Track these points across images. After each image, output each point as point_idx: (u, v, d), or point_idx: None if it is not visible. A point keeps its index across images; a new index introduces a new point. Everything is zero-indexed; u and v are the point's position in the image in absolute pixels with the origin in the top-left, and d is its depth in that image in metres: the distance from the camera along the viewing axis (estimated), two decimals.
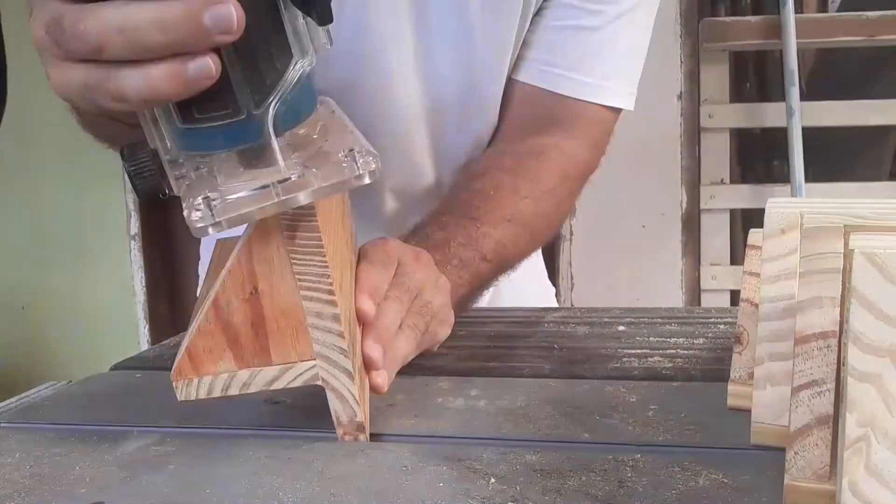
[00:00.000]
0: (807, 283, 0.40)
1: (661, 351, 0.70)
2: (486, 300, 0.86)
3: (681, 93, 2.22)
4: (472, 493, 0.44)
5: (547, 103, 0.86)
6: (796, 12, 2.09)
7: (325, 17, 0.39)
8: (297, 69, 0.40)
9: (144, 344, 2.63)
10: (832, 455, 0.40)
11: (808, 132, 2.08)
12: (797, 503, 0.40)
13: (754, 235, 0.54)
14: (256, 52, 0.39)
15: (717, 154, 2.25)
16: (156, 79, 0.38)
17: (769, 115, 2.19)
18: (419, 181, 0.91)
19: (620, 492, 0.44)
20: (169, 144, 0.43)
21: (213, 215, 0.41)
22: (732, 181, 2.27)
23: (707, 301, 2.25)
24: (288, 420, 0.57)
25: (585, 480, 0.45)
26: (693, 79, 2.23)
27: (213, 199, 0.41)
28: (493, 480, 0.46)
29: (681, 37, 2.20)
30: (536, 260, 1.06)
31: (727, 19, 2.20)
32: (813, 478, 0.40)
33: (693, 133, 2.24)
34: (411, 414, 0.57)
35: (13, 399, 0.64)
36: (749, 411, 0.49)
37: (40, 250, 2.58)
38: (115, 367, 0.73)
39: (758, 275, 0.52)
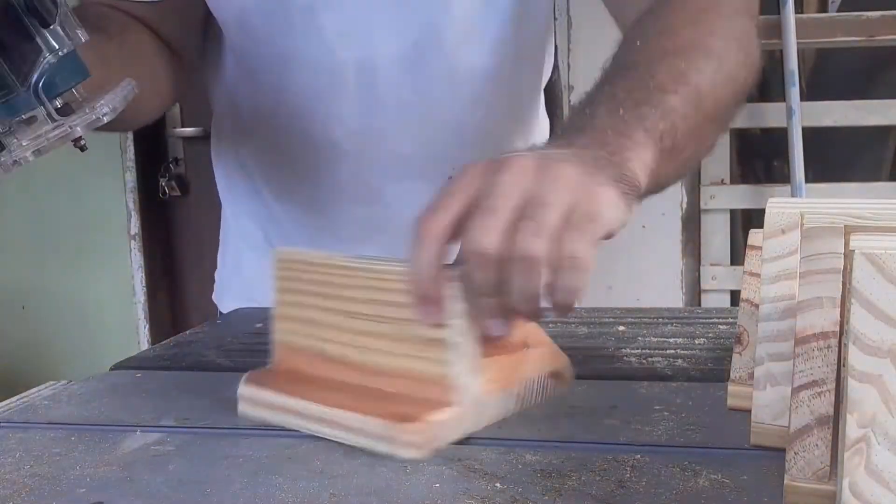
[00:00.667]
0: (807, 284, 0.40)
1: (661, 351, 0.70)
2: None
3: None
4: (472, 493, 0.44)
5: None
6: (796, 12, 2.08)
7: (43, 22, 0.56)
8: (49, 57, 0.57)
9: (144, 344, 2.62)
10: (832, 455, 0.40)
11: (808, 132, 2.08)
12: (797, 503, 0.40)
13: (754, 235, 0.54)
14: (10, 51, 0.56)
15: (717, 154, 2.24)
16: None
17: (769, 115, 2.18)
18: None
19: (620, 492, 0.44)
20: None
21: (12, 156, 0.57)
22: (732, 181, 2.26)
23: (707, 301, 2.24)
24: None
25: (585, 480, 0.45)
26: None
27: (13, 146, 0.57)
28: (493, 480, 0.46)
29: None
30: None
31: None
32: (813, 478, 0.40)
33: None
34: None
35: (13, 399, 0.64)
36: (749, 411, 0.49)
37: (40, 250, 2.57)
38: (115, 367, 0.73)
39: (758, 275, 0.52)
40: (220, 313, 1.01)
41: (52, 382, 0.68)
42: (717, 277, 2.24)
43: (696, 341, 0.73)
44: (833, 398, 0.39)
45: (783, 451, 0.41)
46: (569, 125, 0.59)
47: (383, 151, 0.86)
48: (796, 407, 0.40)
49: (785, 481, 0.40)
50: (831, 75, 2.26)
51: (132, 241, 2.65)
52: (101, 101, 0.60)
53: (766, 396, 0.47)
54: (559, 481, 0.45)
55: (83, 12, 0.73)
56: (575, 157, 0.51)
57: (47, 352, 2.70)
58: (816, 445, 0.40)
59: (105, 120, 0.60)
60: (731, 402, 0.55)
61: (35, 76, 0.57)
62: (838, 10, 2.21)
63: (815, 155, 2.13)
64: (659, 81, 0.59)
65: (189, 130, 2.71)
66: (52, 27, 0.57)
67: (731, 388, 0.55)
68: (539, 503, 0.43)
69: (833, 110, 2.14)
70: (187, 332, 0.86)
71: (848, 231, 0.39)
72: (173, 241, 2.79)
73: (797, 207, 0.47)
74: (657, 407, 0.56)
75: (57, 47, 0.58)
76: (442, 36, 0.82)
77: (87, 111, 0.59)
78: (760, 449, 0.48)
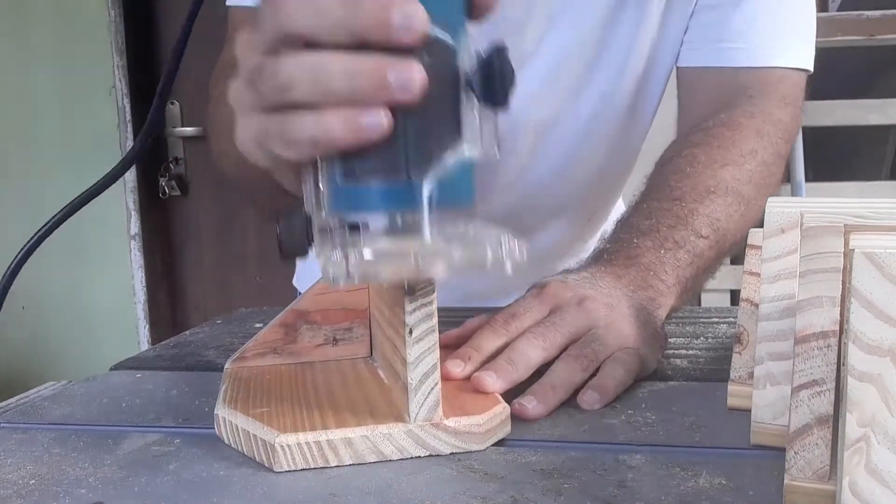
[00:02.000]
0: (807, 283, 0.40)
1: None
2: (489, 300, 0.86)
3: None
4: (472, 493, 0.44)
5: (723, 80, 0.83)
6: None
7: (502, 101, 0.42)
8: (462, 152, 0.42)
9: (144, 344, 2.63)
10: (832, 455, 0.40)
11: (808, 132, 2.08)
12: (797, 503, 0.40)
13: (754, 235, 0.55)
14: (429, 121, 0.42)
15: None
16: (330, 123, 0.41)
17: None
18: (585, 205, 0.93)
19: (620, 492, 0.44)
20: (324, 204, 0.44)
21: (347, 267, 0.42)
22: None
23: (707, 301, 2.24)
24: None
25: (585, 480, 0.45)
26: None
27: (352, 253, 0.42)
28: (492, 480, 0.46)
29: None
30: None
31: None
32: (813, 478, 0.40)
33: None
34: None
35: (13, 399, 0.64)
36: (749, 411, 0.49)
37: (40, 250, 2.57)
38: (115, 367, 0.73)
39: (758, 274, 0.52)
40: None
41: (52, 382, 0.68)
42: (717, 277, 2.24)
43: (696, 341, 0.73)
44: (833, 397, 0.39)
45: (783, 450, 0.41)
46: (616, 249, 0.69)
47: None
48: (796, 406, 0.40)
49: (785, 481, 0.40)
50: (831, 75, 2.26)
51: (132, 241, 2.65)
52: (510, 238, 0.43)
53: (766, 396, 0.47)
54: (559, 481, 0.45)
55: None
56: (629, 310, 0.63)
57: (47, 352, 2.70)
58: (816, 445, 0.40)
59: (508, 272, 0.42)
60: (731, 401, 0.55)
61: (433, 172, 0.42)
62: (838, 10, 2.21)
63: (815, 155, 2.13)
64: (696, 226, 0.70)
65: (189, 130, 2.72)
66: (479, 114, 0.42)
67: (731, 387, 0.55)
68: (539, 503, 0.43)
69: (833, 110, 2.14)
70: (187, 332, 0.86)
71: (848, 230, 0.39)
72: (173, 241, 2.80)
73: (797, 207, 0.47)
74: (657, 407, 0.56)
75: (473, 146, 0.42)
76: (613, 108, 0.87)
77: (492, 246, 0.42)
78: (760, 449, 0.48)
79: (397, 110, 0.41)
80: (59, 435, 0.55)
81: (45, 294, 2.64)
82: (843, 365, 0.36)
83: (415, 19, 0.40)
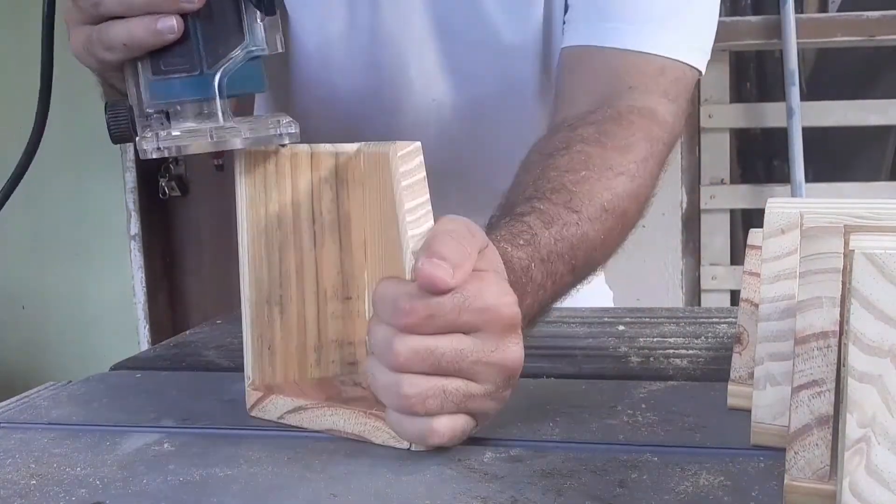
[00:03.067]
0: (807, 284, 0.40)
1: (661, 351, 0.70)
2: None
3: None
4: (472, 493, 0.44)
5: (609, 63, 0.78)
6: (796, 12, 2.08)
7: (269, 9, 0.53)
8: (245, 49, 0.53)
9: (144, 344, 2.62)
10: (832, 455, 0.40)
11: (808, 132, 2.08)
12: (797, 503, 0.40)
13: (754, 235, 0.54)
14: (214, 24, 0.52)
15: (717, 154, 2.25)
16: (134, 29, 0.52)
17: (769, 115, 2.18)
18: (466, 183, 0.89)
19: (620, 492, 0.44)
20: (142, 96, 0.54)
21: (158, 143, 0.52)
22: (732, 181, 2.27)
23: (707, 301, 2.24)
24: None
25: (585, 480, 0.45)
26: None
27: (161, 132, 0.52)
28: (492, 480, 0.46)
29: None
30: None
31: (727, 19, 2.20)
32: (813, 478, 0.40)
33: (693, 133, 2.24)
34: None
35: (13, 399, 0.64)
36: (749, 411, 0.49)
37: (40, 250, 2.57)
38: (115, 367, 0.73)
39: (758, 275, 0.52)
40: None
41: (52, 382, 0.68)
42: (717, 277, 2.24)
43: (696, 341, 0.73)
44: (833, 398, 0.39)
45: (783, 450, 0.41)
46: (508, 233, 0.62)
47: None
48: (796, 407, 0.40)
49: (785, 481, 0.40)
50: (831, 75, 2.27)
51: (132, 242, 2.65)
52: (288, 121, 0.54)
53: (766, 396, 0.47)
54: (559, 481, 0.45)
55: None
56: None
57: (47, 352, 2.70)
58: (816, 445, 0.40)
59: (286, 142, 0.54)
60: (731, 401, 0.55)
61: (224, 65, 0.52)
62: (838, 10, 2.21)
63: (815, 155, 2.13)
64: (578, 257, 0.65)
65: None
66: (262, 21, 0.53)
67: (731, 387, 0.55)
68: (539, 503, 0.43)
69: (833, 110, 2.14)
70: (187, 332, 0.86)
71: (848, 231, 0.39)
72: (173, 241, 2.79)
73: (797, 207, 0.47)
74: (657, 407, 0.56)
75: (256, 45, 0.53)
76: (515, 88, 0.84)
77: (271, 125, 0.53)
78: (760, 449, 0.48)
79: (187, 17, 0.52)
80: (59, 435, 0.55)
81: (45, 294, 2.64)
82: (844, 366, 0.36)
83: None
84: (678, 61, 0.77)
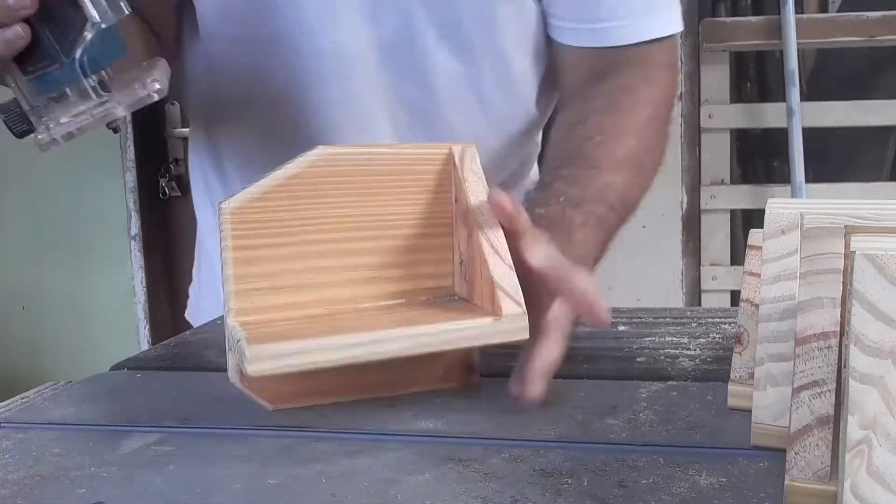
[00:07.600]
0: (807, 284, 0.40)
1: (661, 351, 0.70)
2: None
3: (681, 93, 2.21)
4: (472, 493, 0.44)
5: (603, 58, 0.86)
6: (796, 12, 2.08)
7: None
8: (93, 28, 0.57)
9: (144, 344, 2.62)
10: (833, 456, 0.40)
11: (808, 132, 2.08)
12: (797, 503, 0.40)
13: (754, 236, 0.54)
14: (55, 16, 0.57)
15: (717, 154, 2.25)
16: None
17: (769, 115, 2.18)
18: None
19: (620, 492, 0.44)
20: (25, 94, 0.59)
21: (50, 134, 0.57)
22: (732, 181, 2.26)
23: (707, 301, 2.24)
24: (288, 420, 0.57)
25: (585, 480, 0.45)
26: (693, 79, 2.22)
27: (51, 124, 0.57)
28: (492, 480, 0.46)
29: (681, 37, 2.20)
30: None
31: (727, 19, 2.20)
32: (813, 478, 0.40)
33: (693, 133, 2.24)
34: (412, 413, 0.57)
35: (13, 399, 0.64)
36: (749, 411, 0.49)
37: (40, 250, 2.57)
38: (115, 367, 0.73)
39: (758, 275, 0.52)
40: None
41: (52, 382, 0.68)
42: (717, 277, 2.24)
43: (696, 341, 0.73)
44: (833, 398, 0.39)
45: (784, 451, 0.41)
46: (541, 197, 0.74)
47: None
48: (797, 407, 0.40)
49: (785, 482, 0.40)
50: (831, 75, 2.26)
51: (132, 241, 2.64)
52: (152, 78, 0.58)
53: (767, 397, 0.47)
54: (559, 481, 0.45)
55: None
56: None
57: (47, 352, 2.70)
58: (817, 446, 0.40)
59: (156, 98, 0.59)
60: (731, 402, 0.55)
61: (79, 48, 0.57)
62: (838, 10, 2.21)
63: (815, 155, 2.13)
64: (612, 200, 0.76)
65: (189, 131, 2.71)
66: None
67: (731, 387, 0.55)
68: (539, 503, 0.43)
69: (833, 110, 2.14)
70: (187, 332, 0.86)
71: (848, 231, 0.40)
72: (173, 241, 2.79)
73: (797, 208, 0.47)
74: (657, 407, 0.56)
75: (99, 19, 0.57)
76: (416, 33, 0.83)
77: (138, 88, 0.58)
78: (760, 449, 0.48)
79: (30, 20, 0.56)
80: (59, 435, 0.55)
81: (45, 294, 2.64)
82: (845, 367, 0.36)
83: None
84: (667, 36, 0.88)
